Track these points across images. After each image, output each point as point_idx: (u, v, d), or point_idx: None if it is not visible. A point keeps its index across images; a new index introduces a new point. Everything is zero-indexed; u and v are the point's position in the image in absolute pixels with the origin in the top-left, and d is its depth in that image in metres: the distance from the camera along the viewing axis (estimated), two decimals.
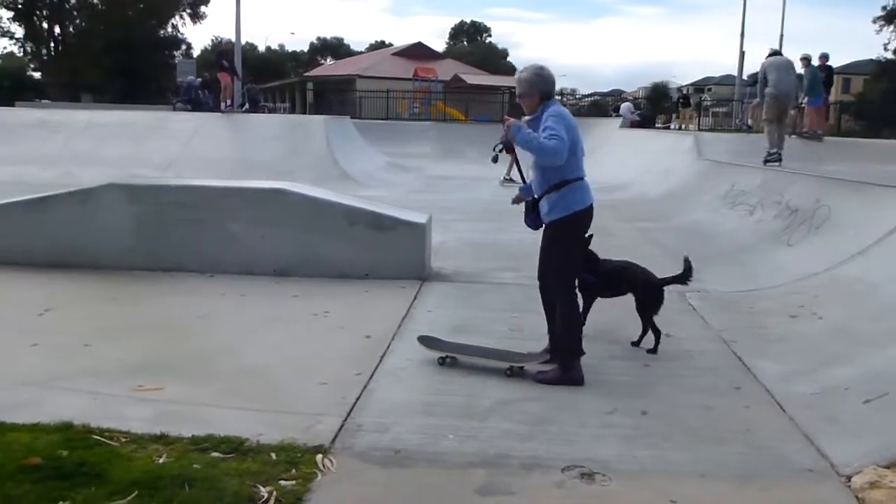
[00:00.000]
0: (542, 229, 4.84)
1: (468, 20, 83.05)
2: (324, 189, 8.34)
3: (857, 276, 6.21)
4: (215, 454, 3.48)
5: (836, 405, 4.24)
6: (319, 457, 3.52)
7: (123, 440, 3.58)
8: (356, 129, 20.94)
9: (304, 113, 37.05)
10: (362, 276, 7.04)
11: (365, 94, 33.21)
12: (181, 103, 23.45)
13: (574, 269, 4.84)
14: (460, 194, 15.09)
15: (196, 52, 59.36)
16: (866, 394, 4.18)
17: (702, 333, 5.74)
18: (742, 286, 7.02)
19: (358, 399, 4.28)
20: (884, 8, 42.38)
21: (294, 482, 3.27)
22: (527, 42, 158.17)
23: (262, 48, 73.96)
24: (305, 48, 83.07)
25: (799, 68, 16.29)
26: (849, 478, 3.47)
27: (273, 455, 3.49)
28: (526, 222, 4.93)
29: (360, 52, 71.28)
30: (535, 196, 4.80)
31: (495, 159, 4.89)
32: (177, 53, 54.24)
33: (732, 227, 9.66)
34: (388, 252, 7.16)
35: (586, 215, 4.73)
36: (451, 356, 4.94)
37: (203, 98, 22.89)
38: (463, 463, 3.59)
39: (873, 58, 46.61)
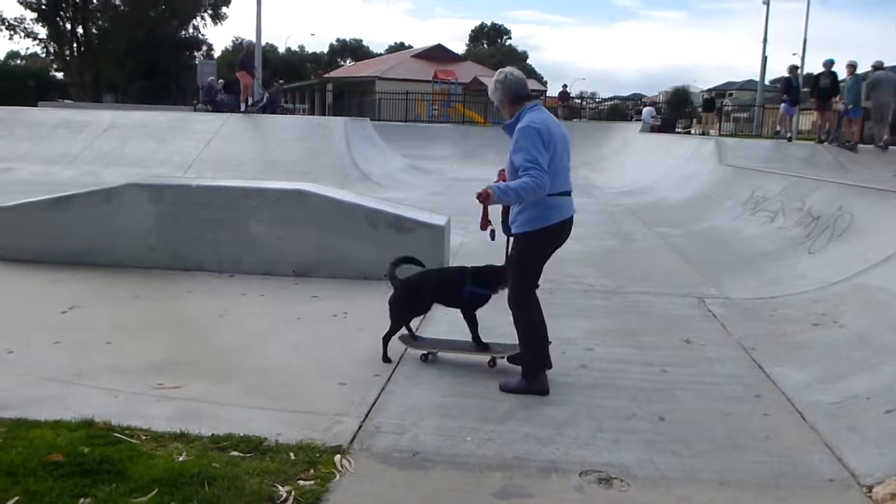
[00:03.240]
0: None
1: (488, 22, 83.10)
2: (344, 190, 8.39)
3: (879, 286, 6.14)
4: (235, 453, 3.50)
5: (857, 415, 4.20)
6: (338, 457, 3.53)
7: (144, 438, 3.61)
8: (376, 131, 21.01)
9: (324, 114, 37.19)
10: (382, 277, 7.03)
11: (384, 96, 33.28)
12: (202, 104, 23.63)
13: (529, 285, 4.62)
14: None
15: (217, 53, 59.81)
16: (888, 404, 4.14)
17: (722, 340, 5.70)
18: (763, 293, 6.97)
19: (377, 400, 4.29)
20: None
21: (313, 482, 3.29)
22: (547, 45, 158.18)
23: (282, 49, 74.45)
24: (325, 49, 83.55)
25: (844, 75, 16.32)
26: (870, 488, 3.44)
27: (292, 455, 3.51)
28: (501, 226, 4.71)
29: (380, 54, 71.58)
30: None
31: (493, 236, 4.74)
32: (198, 54, 54.72)
33: (753, 233, 9.60)
34: (407, 253, 7.15)
35: (552, 233, 4.46)
36: (432, 352, 5.04)
37: (226, 100, 23.05)
38: (481, 466, 3.59)
39: None
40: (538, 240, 4.46)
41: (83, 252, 7.32)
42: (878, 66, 15.86)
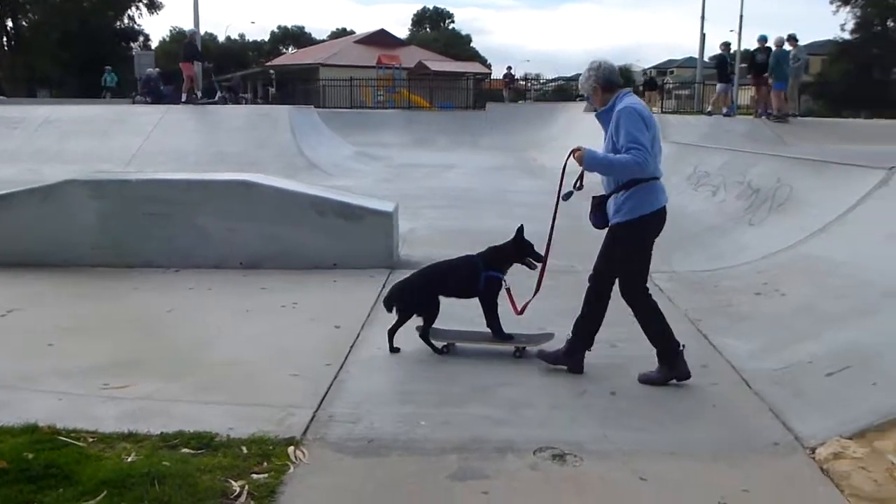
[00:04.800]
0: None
1: (431, 7, 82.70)
2: (291, 180, 8.30)
3: (818, 254, 6.32)
4: (186, 450, 3.45)
5: (800, 380, 4.32)
6: (291, 449, 3.50)
7: (91, 440, 3.53)
8: (321, 119, 20.81)
9: (267, 103, 36.68)
10: (331, 266, 7.02)
11: (329, 83, 32.97)
12: (141, 96, 23.10)
13: (644, 273, 4.54)
14: (429, 182, 15.05)
15: (154, 44, 58.43)
16: (829, 367, 4.27)
17: (669, 313, 5.74)
18: (707, 266, 7.11)
19: (329, 389, 4.27)
20: None
21: (266, 475, 3.26)
22: (492, 28, 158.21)
23: (221, 38, 73.06)
24: (267, 37, 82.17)
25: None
26: (813, 450, 3.54)
27: (244, 449, 3.47)
28: (590, 220, 4.59)
29: (323, 41, 70.69)
30: (605, 193, 4.49)
31: (567, 197, 4.59)
32: (134, 45, 53.36)
33: (697, 208, 9.76)
34: (356, 241, 7.14)
35: (655, 220, 4.38)
36: (449, 343, 4.95)
37: (165, 91, 22.57)
38: (437, 449, 3.60)
39: (831, 38, 47.31)
40: (650, 223, 4.39)
41: (24, 252, 7.09)
42: (779, 43, 16.44)
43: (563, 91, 44.11)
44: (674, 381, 4.40)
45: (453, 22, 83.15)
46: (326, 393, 4.22)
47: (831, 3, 43.61)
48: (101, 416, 3.84)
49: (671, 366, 4.41)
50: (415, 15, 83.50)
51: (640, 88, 29.66)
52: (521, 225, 5.05)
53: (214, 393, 4.21)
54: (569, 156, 4.39)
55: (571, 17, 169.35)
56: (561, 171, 4.63)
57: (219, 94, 20.25)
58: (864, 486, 3.22)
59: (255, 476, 3.25)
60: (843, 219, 6.63)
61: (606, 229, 4.50)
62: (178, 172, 10.11)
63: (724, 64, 19.42)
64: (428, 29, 79.80)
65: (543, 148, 21.54)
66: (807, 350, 4.68)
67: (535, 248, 5.00)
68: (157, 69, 25.59)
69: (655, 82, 30.93)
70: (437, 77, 37.05)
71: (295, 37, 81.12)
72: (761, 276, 6.34)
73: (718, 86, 19.37)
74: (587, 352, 4.60)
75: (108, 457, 3.36)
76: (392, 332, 4.92)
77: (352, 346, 4.99)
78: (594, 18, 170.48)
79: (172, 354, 4.86)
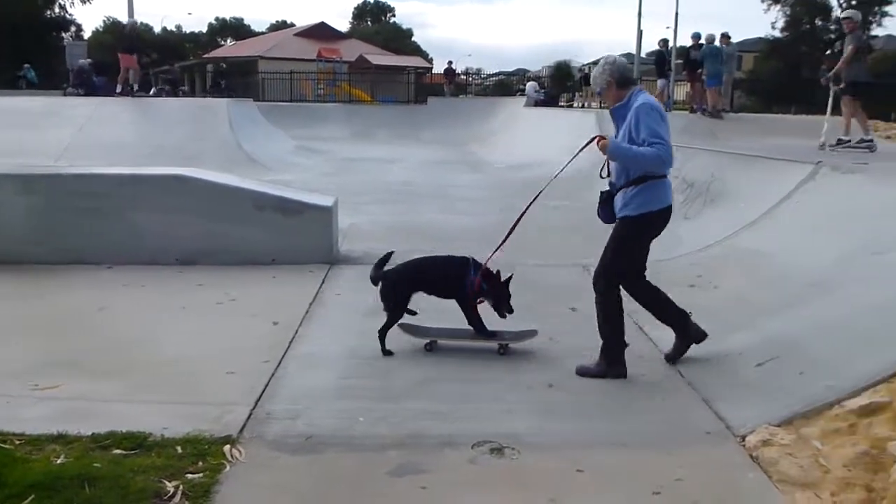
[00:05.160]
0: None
1: (372, 0, 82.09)
2: (228, 174, 8.16)
3: (749, 247, 6.50)
4: (118, 451, 3.37)
5: (732, 370, 4.45)
6: (228, 447, 3.46)
7: (19, 442, 3.43)
8: (261, 112, 20.51)
9: (205, 96, 35.97)
10: (269, 261, 6.93)
11: (268, 76, 32.46)
12: (73, 88, 22.40)
13: (629, 272, 4.56)
14: (370, 176, 14.96)
15: (87, 34, 56.72)
16: (759, 358, 4.39)
17: None
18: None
19: (266, 386, 4.22)
20: None
21: (201, 475, 3.21)
22: (434, 22, 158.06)
23: (157, 29, 71.37)
24: (204, 29, 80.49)
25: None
26: (744, 438, 3.65)
27: (179, 448, 3.41)
28: (598, 215, 4.67)
29: (262, 33, 69.62)
30: (614, 187, 4.52)
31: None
32: (66, 35, 51.69)
33: None
34: (295, 236, 7.06)
35: (661, 217, 4.45)
36: (434, 341, 4.92)
37: (97, 82, 21.93)
38: (376, 445, 3.60)
39: (762, 36, 48.58)
40: (655, 220, 4.44)
41: None
42: (710, 40, 16.90)
43: (505, 86, 44.40)
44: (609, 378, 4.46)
45: (394, 16, 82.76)
46: (264, 390, 4.17)
47: (762, 1, 44.75)
48: (29, 417, 3.72)
49: (610, 363, 4.48)
50: (356, 8, 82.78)
51: (579, 83, 30.00)
52: (511, 275, 5.04)
53: (148, 392, 4.13)
54: (586, 144, 4.54)
55: (513, 12, 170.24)
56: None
57: (154, 87, 19.73)
58: (790, 471, 3.32)
59: (189, 476, 3.19)
60: (773, 212, 6.83)
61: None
62: (112, 166, 9.84)
63: (662, 60, 19.77)
64: (369, 22, 79.27)
65: (484, 142, 21.65)
66: (738, 341, 4.82)
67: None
68: (90, 60, 24.84)
69: (590, 78, 31.35)
70: (378, 71, 36.83)
71: (234, 29, 79.67)
72: (696, 269, 6.48)
73: (659, 81, 19.65)
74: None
75: (36, 459, 3.27)
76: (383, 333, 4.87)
77: (290, 343, 4.94)
78: (536, 14, 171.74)
79: (105, 353, 4.73)
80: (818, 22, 43.32)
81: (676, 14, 29.46)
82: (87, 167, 9.81)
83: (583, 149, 4.58)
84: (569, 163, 4.76)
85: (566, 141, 16.26)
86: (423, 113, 27.48)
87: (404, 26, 78.05)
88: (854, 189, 6.48)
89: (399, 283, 4.94)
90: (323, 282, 6.47)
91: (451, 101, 31.10)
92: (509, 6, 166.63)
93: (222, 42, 74.27)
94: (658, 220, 4.44)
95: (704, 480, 3.36)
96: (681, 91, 24.79)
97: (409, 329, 4.99)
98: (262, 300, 5.96)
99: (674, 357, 4.63)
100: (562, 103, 27.83)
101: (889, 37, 44.48)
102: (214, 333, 5.18)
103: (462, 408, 4.03)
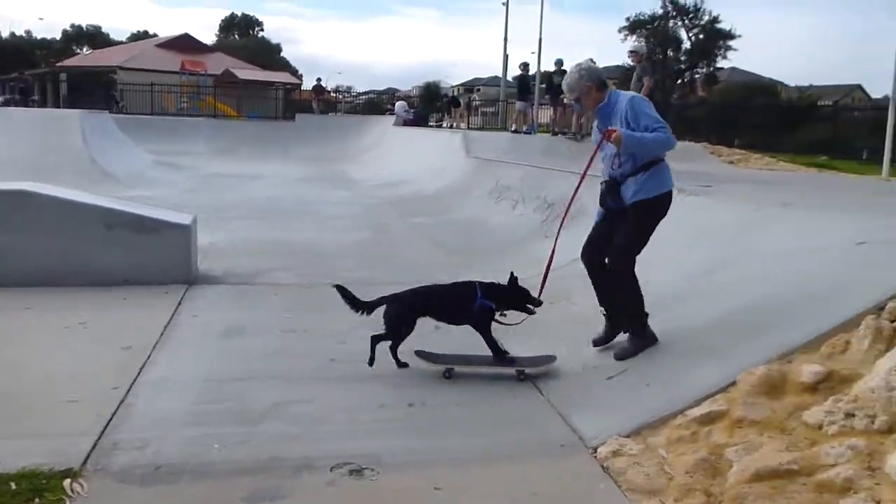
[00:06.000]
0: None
1: (239, 13, 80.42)
2: (78, 191, 7.72)
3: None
4: None
5: (586, 384, 4.61)
6: (68, 481, 3.25)
7: None
8: (118, 125, 19.65)
9: (58, 107, 34.04)
10: (122, 282, 6.59)
11: (127, 88, 31.18)
12: None
13: (639, 251, 4.84)
14: (236, 193, 14.60)
15: None
16: (610, 371, 4.58)
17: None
18: (505, 277, 7.38)
19: (114, 415, 4.00)
20: (627, 19, 46.36)
21: None
22: (303, 38, 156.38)
23: (6, 34, 67.08)
24: (58, 35, 76.27)
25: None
26: (595, 449, 3.79)
27: (13, 485, 3.18)
28: (606, 203, 4.94)
29: (122, 42, 66.75)
30: (620, 176, 4.80)
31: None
32: None
33: (498, 220, 10.18)
34: (150, 256, 6.77)
35: (670, 197, 4.82)
36: (451, 368, 4.79)
37: None
38: (230, 471, 3.48)
39: (620, 64, 51.01)
40: (666, 201, 4.78)
41: None
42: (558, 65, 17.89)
43: (375, 104, 44.46)
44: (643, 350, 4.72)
45: (262, 30, 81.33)
46: (111, 419, 3.95)
47: (619, 31, 46.90)
48: None
49: (646, 336, 4.78)
50: (222, 21, 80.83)
51: (447, 105, 30.47)
52: (513, 272, 5.08)
53: None
54: (597, 148, 4.90)
55: (382, 31, 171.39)
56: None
57: (1, 96, 18.49)
58: (637, 479, 3.47)
59: None
60: None
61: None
62: None
63: (524, 83, 20.44)
64: (236, 36, 77.53)
65: (354, 160, 21.61)
66: (591, 355, 5.01)
67: (530, 293, 5.07)
68: None
69: (458, 101, 31.93)
70: (245, 86, 36.10)
71: (91, 37, 75.90)
72: (554, 287, 6.66)
73: (518, 104, 20.33)
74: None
75: None
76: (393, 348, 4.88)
77: (142, 368, 4.71)
78: (406, 34, 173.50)
79: None
80: (669, 53, 45.86)
81: (540, 40, 30.48)
82: None
83: (595, 154, 4.97)
84: (585, 174, 5.09)
85: (435, 160, 16.61)
86: (292, 129, 27.11)
87: (273, 41, 76.80)
88: (699, 210, 6.88)
89: (404, 309, 4.88)
90: (180, 303, 6.22)
91: (320, 118, 30.86)
92: (377, 25, 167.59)
93: (78, 50, 70.62)
94: (668, 200, 4.82)
95: (559, 492, 3.46)
96: (544, 114, 25.64)
97: (426, 356, 4.89)
98: (113, 323, 5.66)
99: (622, 357, 4.79)
100: (431, 123, 28.16)
101: (733, 69, 47.77)
102: (58, 360, 4.85)
103: (320, 429, 3.96)
